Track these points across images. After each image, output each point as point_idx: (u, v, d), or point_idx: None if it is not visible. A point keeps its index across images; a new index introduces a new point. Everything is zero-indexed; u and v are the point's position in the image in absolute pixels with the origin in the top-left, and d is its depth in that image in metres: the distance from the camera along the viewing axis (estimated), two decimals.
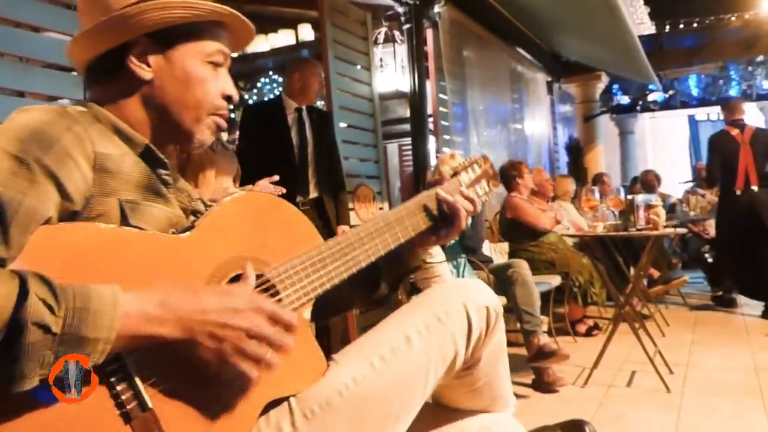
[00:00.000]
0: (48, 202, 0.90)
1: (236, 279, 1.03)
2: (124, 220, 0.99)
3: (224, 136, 3.24)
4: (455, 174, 1.40)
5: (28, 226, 0.86)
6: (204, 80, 1.11)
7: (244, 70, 7.23)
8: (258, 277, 1.04)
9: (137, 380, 0.88)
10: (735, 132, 5.22)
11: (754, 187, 5.11)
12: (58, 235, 0.89)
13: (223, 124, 1.17)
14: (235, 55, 6.05)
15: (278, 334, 0.94)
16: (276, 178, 2.91)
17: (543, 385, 3.30)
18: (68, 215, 0.94)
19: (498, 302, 1.22)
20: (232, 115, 7.16)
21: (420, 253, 1.34)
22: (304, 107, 3.57)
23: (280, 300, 1.05)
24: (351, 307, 1.26)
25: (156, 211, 1.04)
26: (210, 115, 1.13)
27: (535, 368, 3.36)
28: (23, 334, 0.74)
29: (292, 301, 1.07)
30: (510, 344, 4.01)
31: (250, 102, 7.31)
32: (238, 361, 0.91)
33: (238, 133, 3.78)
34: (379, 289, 1.28)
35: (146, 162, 1.08)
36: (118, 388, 0.87)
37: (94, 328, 0.80)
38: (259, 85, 7.33)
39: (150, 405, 0.88)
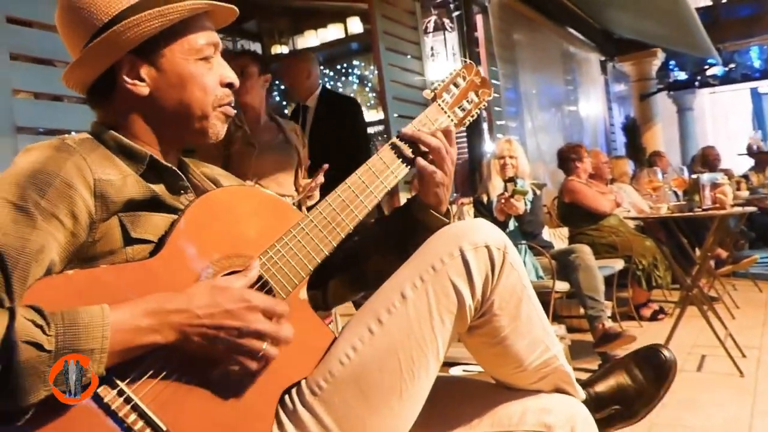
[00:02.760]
0: (49, 244, 0.93)
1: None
2: (126, 235, 1.01)
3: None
4: (434, 98, 1.29)
5: (29, 273, 0.89)
6: (200, 76, 1.11)
7: None
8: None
9: (143, 406, 0.90)
10: None
11: None
12: (26, 297, 0.89)
13: (231, 111, 1.16)
14: (285, 50, 6.08)
15: (273, 326, 0.95)
16: (326, 166, 2.73)
17: None
18: (75, 247, 0.97)
19: (504, 241, 1.09)
20: (286, 111, 7.24)
21: (432, 207, 1.24)
22: (308, 103, 3.56)
23: (270, 290, 1.04)
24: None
25: (158, 219, 1.04)
26: (216, 108, 1.13)
27: (601, 354, 3.32)
28: (15, 354, 0.79)
29: (282, 287, 1.05)
30: (574, 330, 4.02)
31: None
32: (236, 358, 0.94)
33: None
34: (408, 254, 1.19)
35: (155, 174, 1.09)
36: (128, 420, 0.88)
37: (87, 340, 0.84)
38: None
39: (164, 427, 0.90)
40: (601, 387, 1.29)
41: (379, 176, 1.18)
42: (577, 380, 1.25)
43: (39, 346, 0.81)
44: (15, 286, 0.87)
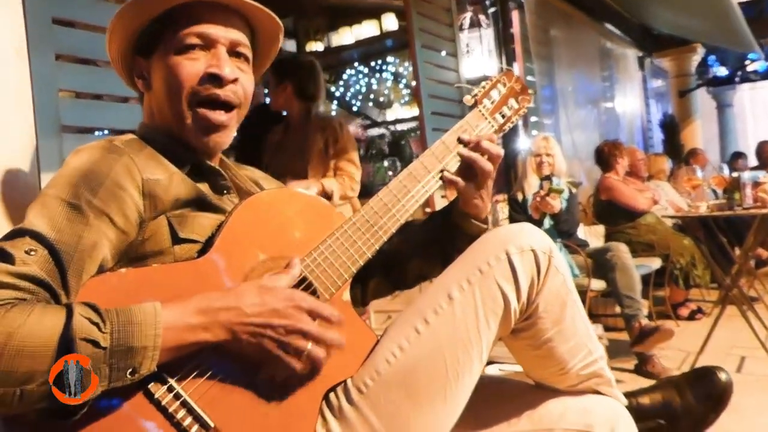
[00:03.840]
0: (102, 241, 0.96)
1: None
2: (174, 234, 1.04)
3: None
4: (475, 104, 1.29)
5: (83, 269, 0.93)
6: (174, 68, 1.09)
7: (330, 62, 7.33)
8: None
9: (192, 402, 0.92)
10: None
11: None
12: (81, 294, 0.92)
13: (211, 116, 1.10)
14: (321, 48, 6.12)
15: (319, 327, 0.96)
16: None
17: (647, 374, 3.22)
18: (125, 245, 1.01)
19: (549, 245, 1.10)
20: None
21: (472, 215, 1.25)
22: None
23: (314, 291, 1.06)
24: (431, 276, 1.20)
25: (204, 219, 1.07)
26: (193, 108, 1.10)
27: (638, 354, 3.28)
28: (73, 350, 0.82)
29: (326, 288, 1.07)
30: (610, 329, 3.97)
31: (337, 94, 7.41)
32: (282, 357, 0.95)
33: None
34: (451, 260, 1.20)
35: (198, 174, 1.12)
36: (177, 416, 0.90)
37: (140, 337, 0.85)
38: (345, 77, 7.41)
39: (211, 423, 0.92)
40: (644, 399, 1.28)
41: (421, 181, 1.20)
42: (623, 392, 1.24)
43: (95, 343, 0.83)
44: (71, 282, 0.91)
